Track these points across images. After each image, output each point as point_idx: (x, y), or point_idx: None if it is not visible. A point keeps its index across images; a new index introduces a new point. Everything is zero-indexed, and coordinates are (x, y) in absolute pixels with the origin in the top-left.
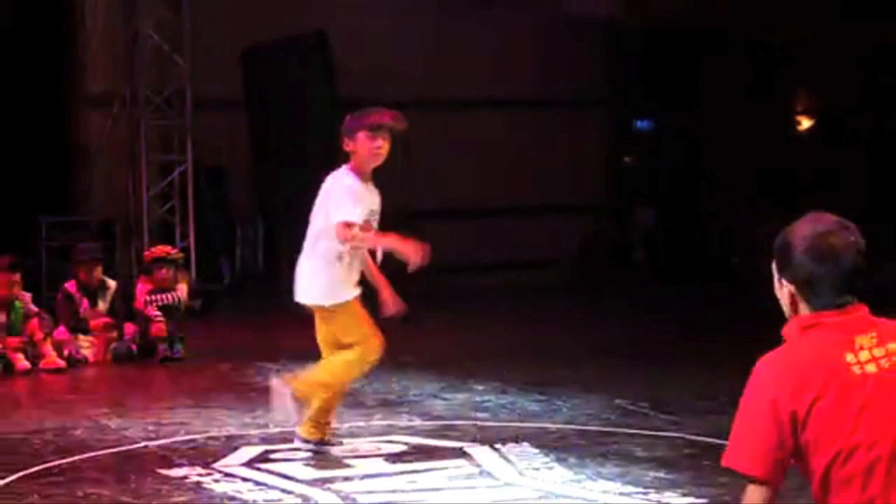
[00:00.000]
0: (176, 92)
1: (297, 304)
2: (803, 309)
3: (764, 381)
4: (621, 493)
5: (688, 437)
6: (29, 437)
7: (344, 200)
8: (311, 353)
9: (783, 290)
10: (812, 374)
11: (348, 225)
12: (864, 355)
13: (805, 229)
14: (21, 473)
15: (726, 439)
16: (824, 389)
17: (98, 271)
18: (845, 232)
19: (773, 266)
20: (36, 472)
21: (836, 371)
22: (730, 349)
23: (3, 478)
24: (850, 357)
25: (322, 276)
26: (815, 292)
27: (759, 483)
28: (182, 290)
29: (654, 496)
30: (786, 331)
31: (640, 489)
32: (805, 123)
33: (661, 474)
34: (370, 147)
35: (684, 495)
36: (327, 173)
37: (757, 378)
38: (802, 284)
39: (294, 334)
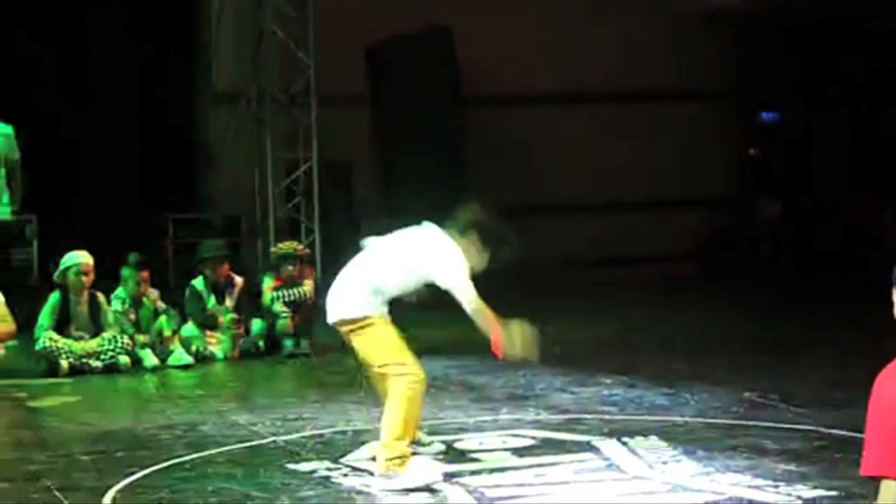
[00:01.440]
0: (301, 89)
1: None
2: None
3: (885, 387)
4: (751, 486)
5: (819, 429)
6: (158, 432)
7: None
8: (431, 349)
9: None
10: None
11: None
12: None
13: None
14: (151, 468)
15: (857, 432)
16: None
17: (225, 268)
18: None
19: (893, 295)
20: (166, 467)
21: None
22: (860, 342)
23: (133, 472)
24: None
25: None
26: None
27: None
28: (309, 285)
29: (784, 489)
30: None
31: (770, 482)
32: None
33: (792, 467)
34: None
35: (815, 488)
36: (451, 168)
37: (878, 387)
38: None
39: (415, 330)
